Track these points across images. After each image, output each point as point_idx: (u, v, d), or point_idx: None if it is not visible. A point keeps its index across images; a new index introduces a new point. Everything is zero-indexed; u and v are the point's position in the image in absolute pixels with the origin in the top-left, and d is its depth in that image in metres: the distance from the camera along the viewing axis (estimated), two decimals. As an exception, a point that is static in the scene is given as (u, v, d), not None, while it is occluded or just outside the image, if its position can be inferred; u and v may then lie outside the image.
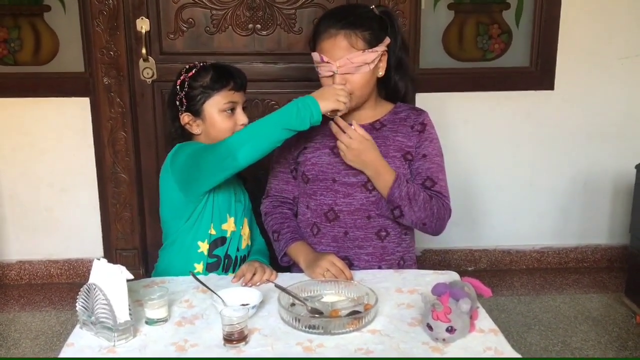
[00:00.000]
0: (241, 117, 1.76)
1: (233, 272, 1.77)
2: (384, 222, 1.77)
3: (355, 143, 1.63)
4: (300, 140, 1.81)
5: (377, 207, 1.74)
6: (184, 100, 1.75)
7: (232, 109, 1.75)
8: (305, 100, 1.58)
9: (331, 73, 1.67)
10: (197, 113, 1.75)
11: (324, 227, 1.79)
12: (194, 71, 1.76)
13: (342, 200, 1.76)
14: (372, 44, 1.67)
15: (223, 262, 1.79)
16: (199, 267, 1.76)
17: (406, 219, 1.70)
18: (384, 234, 1.78)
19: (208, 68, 1.76)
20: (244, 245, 1.84)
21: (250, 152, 1.56)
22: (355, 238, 1.78)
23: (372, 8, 1.76)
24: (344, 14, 1.70)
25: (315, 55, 1.70)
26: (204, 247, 1.76)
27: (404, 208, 1.67)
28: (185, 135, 1.79)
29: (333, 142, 1.76)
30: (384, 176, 1.67)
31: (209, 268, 1.77)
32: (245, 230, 1.86)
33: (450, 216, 1.76)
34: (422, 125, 1.78)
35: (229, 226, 1.79)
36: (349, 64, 1.65)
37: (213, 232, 1.76)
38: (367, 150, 1.64)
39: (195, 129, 1.77)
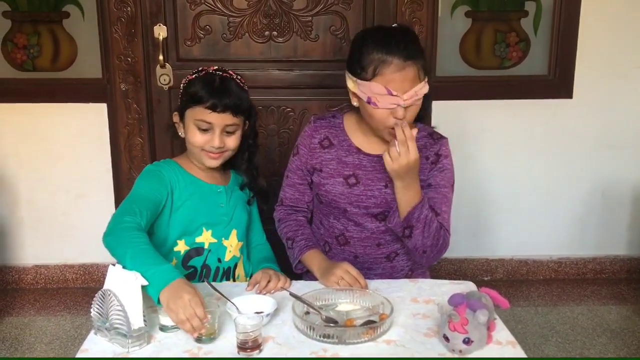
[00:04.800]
0: (215, 139, 1.66)
1: (213, 281, 1.72)
2: (394, 246, 1.77)
3: (411, 157, 1.54)
4: (314, 158, 1.78)
5: (388, 220, 1.68)
6: (178, 100, 1.75)
7: (208, 129, 1.67)
8: (156, 285, 1.35)
9: (394, 106, 1.56)
10: (182, 117, 1.73)
11: (335, 249, 1.80)
12: (194, 76, 1.73)
13: (353, 227, 1.76)
14: (427, 72, 1.61)
15: (200, 272, 1.75)
16: None
17: (412, 242, 1.65)
18: (393, 255, 1.79)
19: (205, 78, 1.69)
20: (228, 257, 1.78)
21: (110, 248, 1.47)
22: (365, 261, 1.78)
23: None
24: (406, 41, 1.58)
25: (378, 87, 1.56)
26: (174, 263, 1.71)
27: (415, 230, 1.62)
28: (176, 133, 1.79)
29: (348, 171, 1.74)
30: (411, 194, 1.60)
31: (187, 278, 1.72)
32: (232, 242, 1.78)
33: (446, 251, 1.72)
34: (436, 155, 1.72)
35: (205, 238, 1.74)
36: (415, 97, 1.57)
37: (185, 247, 1.72)
38: (414, 167, 1.57)
39: (180, 130, 1.75)
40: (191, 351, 1.32)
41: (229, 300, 1.45)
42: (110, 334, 1.34)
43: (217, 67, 1.76)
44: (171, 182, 1.69)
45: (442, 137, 1.76)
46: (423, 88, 1.59)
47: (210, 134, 1.67)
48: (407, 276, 1.80)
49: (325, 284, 1.62)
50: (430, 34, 2.76)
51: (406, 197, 1.61)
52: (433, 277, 1.83)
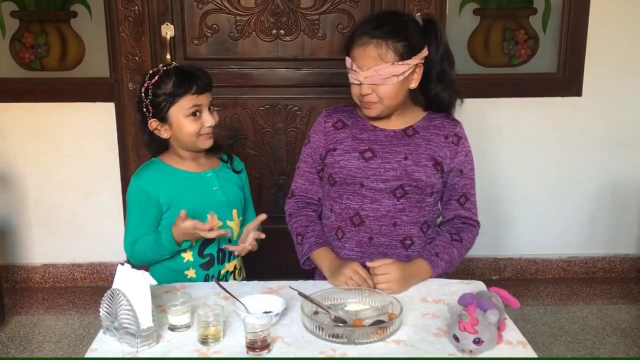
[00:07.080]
0: (208, 119, 1.74)
1: (229, 262, 1.83)
2: (410, 230, 1.75)
3: (394, 287, 1.57)
4: (329, 140, 1.79)
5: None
6: (149, 107, 1.74)
7: (198, 112, 1.74)
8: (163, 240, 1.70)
9: (358, 82, 1.65)
10: (163, 119, 1.74)
11: (349, 232, 1.77)
12: (156, 78, 1.73)
13: (369, 205, 1.74)
14: (403, 56, 1.63)
15: (217, 257, 1.81)
16: (190, 272, 1.78)
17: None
18: (408, 242, 1.76)
19: (170, 73, 1.73)
20: (235, 237, 1.83)
21: (141, 262, 1.75)
22: (379, 244, 1.75)
23: (417, 16, 1.72)
24: (382, 21, 1.65)
25: (347, 61, 1.69)
26: (187, 255, 1.77)
27: (448, 271, 1.77)
28: (155, 140, 1.81)
29: (364, 145, 1.74)
30: (422, 275, 1.67)
31: (204, 267, 1.79)
32: (236, 222, 1.84)
33: (479, 230, 1.83)
34: (457, 137, 1.76)
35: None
36: (376, 76, 1.62)
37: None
38: (402, 277, 1.60)
39: (164, 133, 1.76)
40: (200, 351, 1.32)
41: (238, 300, 1.45)
42: (119, 334, 1.34)
43: (158, 66, 1.79)
44: (158, 190, 1.76)
45: (457, 120, 1.81)
46: (389, 69, 1.62)
47: (200, 118, 1.74)
48: None
49: (334, 283, 1.61)
50: (438, 32, 2.75)
51: (425, 277, 1.67)
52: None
